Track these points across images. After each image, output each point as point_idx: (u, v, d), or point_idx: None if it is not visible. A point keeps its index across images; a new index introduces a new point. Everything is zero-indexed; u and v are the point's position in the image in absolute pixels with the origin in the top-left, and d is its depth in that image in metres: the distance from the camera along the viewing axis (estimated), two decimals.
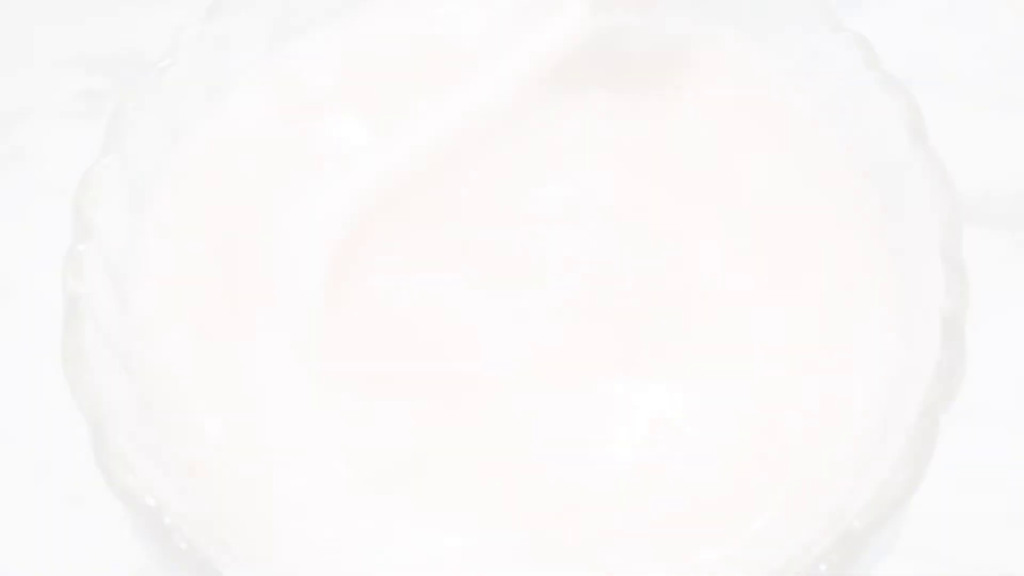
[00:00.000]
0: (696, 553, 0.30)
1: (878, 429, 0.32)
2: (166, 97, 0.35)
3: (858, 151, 0.37)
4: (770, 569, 0.30)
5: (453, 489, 0.31)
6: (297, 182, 0.37)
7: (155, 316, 0.34)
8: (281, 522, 0.31)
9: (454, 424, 0.32)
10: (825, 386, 0.33)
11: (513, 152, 0.37)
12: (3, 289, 0.42)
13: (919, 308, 0.32)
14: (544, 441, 0.32)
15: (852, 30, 0.36)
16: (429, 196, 0.36)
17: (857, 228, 0.36)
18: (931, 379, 0.29)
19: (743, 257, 0.35)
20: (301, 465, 0.32)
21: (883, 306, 0.34)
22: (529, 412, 0.32)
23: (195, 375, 0.33)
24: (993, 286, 0.40)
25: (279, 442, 0.32)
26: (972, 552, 0.36)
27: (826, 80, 0.37)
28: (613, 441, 0.32)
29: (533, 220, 0.36)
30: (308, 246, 0.35)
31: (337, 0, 0.40)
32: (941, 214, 0.32)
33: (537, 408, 0.32)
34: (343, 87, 0.39)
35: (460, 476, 0.31)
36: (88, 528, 0.36)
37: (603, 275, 0.35)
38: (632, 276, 0.35)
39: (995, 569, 0.36)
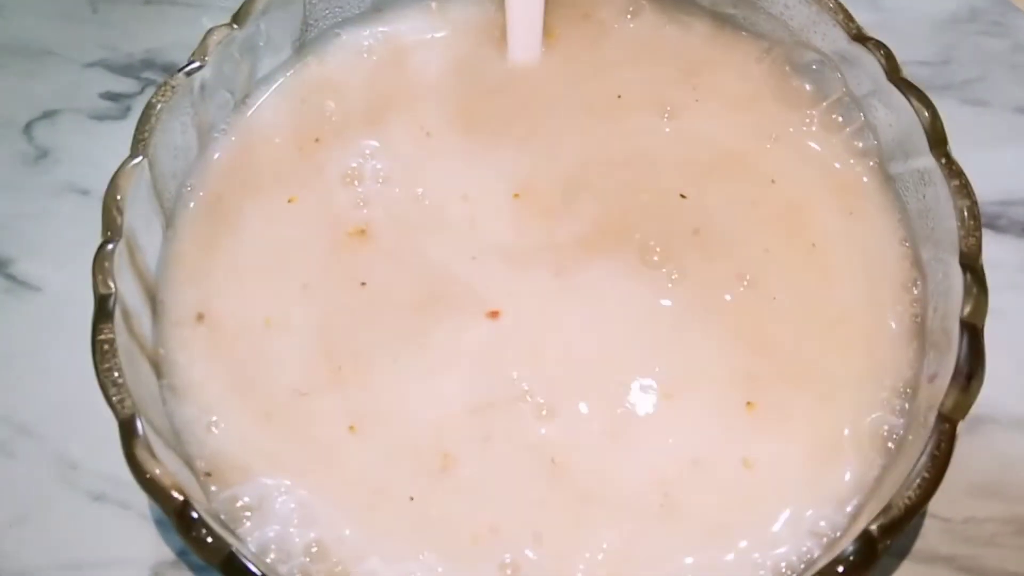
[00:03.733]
0: (714, 552, 0.31)
1: (897, 433, 0.32)
2: (193, 100, 0.36)
3: (879, 158, 0.37)
4: (791, 571, 0.30)
5: None
6: (323, 185, 0.37)
7: (183, 315, 0.34)
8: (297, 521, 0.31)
9: None
10: (843, 388, 0.33)
11: None
12: (33, 287, 0.42)
13: (939, 313, 0.33)
14: None
15: (873, 38, 0.36)
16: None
17: (877, 234, 0.36)
18: (950, 384, 0.29)
19: (769, 252, 0.36)
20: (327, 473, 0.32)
21: (902, 310, 0.34)
22: None
23: (222, 374, 0.33)
24: (1012, 292, 0.41)
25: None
26: (987, 557, 0.36)
27: (847, 86, 0.38)
28: None
29: None
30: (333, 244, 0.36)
31: (363, 6, 0.41)
32: (961, 222, 0.32)
33: None
34: (370, 93, 0.40)
35: None
36: (110, 524, 0.37)
37: None
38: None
39: (1011, 575, 0.36)
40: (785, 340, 0.34)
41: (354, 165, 0.38)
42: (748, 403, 0.33)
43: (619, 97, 0.39)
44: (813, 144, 0.38)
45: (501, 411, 0.33)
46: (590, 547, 0.31)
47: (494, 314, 0.35)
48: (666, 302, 0.35)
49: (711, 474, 0.32)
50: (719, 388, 0.33)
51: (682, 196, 0.36)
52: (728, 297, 0.35)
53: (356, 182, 0.38)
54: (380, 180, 0.38)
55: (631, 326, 0.34)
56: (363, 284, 0.35)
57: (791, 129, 0.38)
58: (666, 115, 0.39)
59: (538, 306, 0.35)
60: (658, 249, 0.35)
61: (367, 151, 0.38)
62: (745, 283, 0.35)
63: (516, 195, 0.37)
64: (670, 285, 0.35)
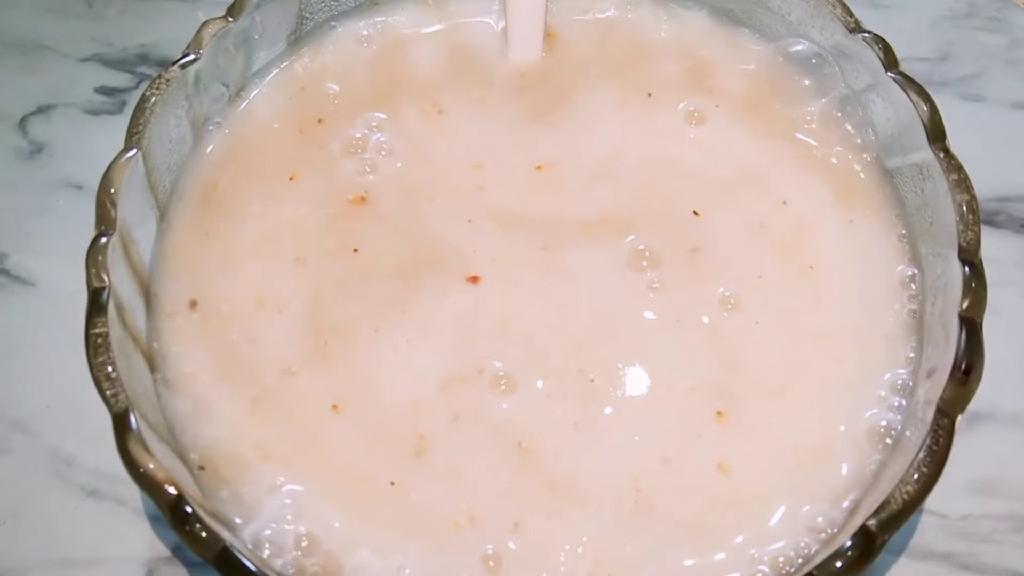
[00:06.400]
0: (708, 553, 0.30)
1: (895, 429, 0.32)
2: (188, 93, 0.36)
3: (878, 153, 0.37)
4: (789, 566, 0.30)
5: None
6: (326, 158, 0.37)
7: (176, 304, 0.34)
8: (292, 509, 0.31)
9: None
10: (842, 385, 0.33)
11: None
12: (26, 282, 0.42)
13: (937, 308, 0.32)
14: None
15: (872, 32, 0.36)
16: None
17: (875, 229, 0.36)
18: (948, 379, 0.29)
19: (765, 251, 0.36)
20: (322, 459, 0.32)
21: (900, 307, 0.34)
22: None
23: (214, 361, 0.33)
24: (1010, 288, 0.41)
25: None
26: (985, 554, 0.36)
27: (846, 81, 0.38)
28: None
29: None
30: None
31: None
32: (960, 216, 0.31)
33: None
34: (375, 75, 0.39)
35: None
36: (105, 520, 0.37)
37: None
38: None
39: (1009, 571, 0.36)
40: (762, 361, 0.33)
41: (359, 136, 0.38)
42: (718, 412, 0.32)
43: (649, 95, 0.39)
44: (815, 142, 0.38)
45: (467, 384, 0.33)
46: (569, 539, 0.30)
47: (474, 279, 0.34)
48: (641, 308, 0.34)
49: (684, 475, 0.31)
50: (685, 397, 0.33)
51: (695, 213, 0.36)
52: (706, 319, 0.34)
53: (361, 151, 0.37)
54: (384, 151, 0.37)
55: (601, 319, 0.34)
56: (355, 251, 0.35)
57: (798, 134, 0.38)
58: (693, 121, 0.38)
59: (518, 276, 0.35)
60: (647, 255, 0.35)
61: (373, 123, 0.38)
62: (728, 307, 0.34)
63: (539, 167, 0.37)
64: (651, 295, 0.35)
